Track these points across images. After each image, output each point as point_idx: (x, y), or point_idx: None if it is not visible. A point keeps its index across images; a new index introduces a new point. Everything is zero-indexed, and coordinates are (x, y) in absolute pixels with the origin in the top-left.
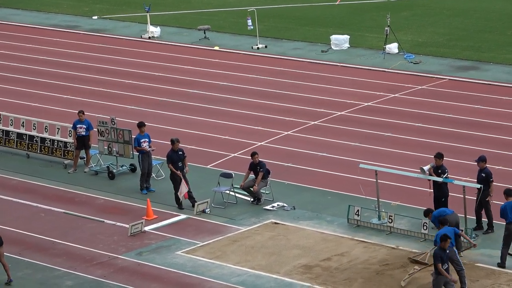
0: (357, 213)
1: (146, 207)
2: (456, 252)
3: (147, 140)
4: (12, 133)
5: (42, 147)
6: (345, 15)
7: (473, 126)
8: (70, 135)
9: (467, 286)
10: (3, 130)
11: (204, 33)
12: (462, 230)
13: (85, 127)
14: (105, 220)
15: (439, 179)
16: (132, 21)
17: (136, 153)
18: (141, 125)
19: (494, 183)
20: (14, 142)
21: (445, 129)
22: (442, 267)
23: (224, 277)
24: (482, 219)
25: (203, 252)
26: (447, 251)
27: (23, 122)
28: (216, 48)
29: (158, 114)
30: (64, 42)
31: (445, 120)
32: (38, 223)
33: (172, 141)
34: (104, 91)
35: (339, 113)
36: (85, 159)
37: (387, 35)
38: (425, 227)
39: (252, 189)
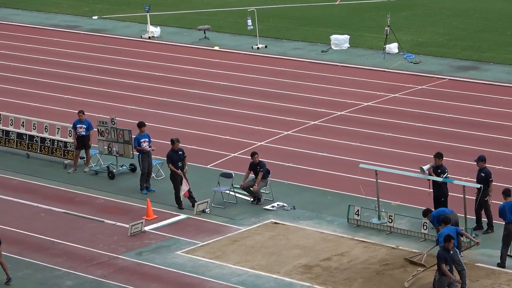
0: (357, 213)
1: (146, 207)
2: (458, 252)
3: (147, 140)
4: (12, 133)
5: (42, 147)
6: (345, 15)
7: (473, 126)
8: (70, 135)
9: (467, 286)
10: (3, 130)
11: (204, 33)
12: (462, 229)
13: (85, 127)
14: (105, 220)
15: (439, 179)
16: (132, 21)
17: (136, 153)
18: (141, 125)
19: (494, 183)
20: (14, 142)
21: (445, 129)
22: (445, 267)
23: (224, 277)
24: (482, 219)
25: (203, 252)
26: (451, 252)
27: (23, 122)
28: (216, 48)
29: (158, 114)
30: (64, 42)
31: (445, 120)
32: (38, 223)
33: (172, 141)
34: (104, 91)
35: (340, 113)
36: (85, 159)
37: (387, 35)
38: (425, 227)
39: (252, 189)
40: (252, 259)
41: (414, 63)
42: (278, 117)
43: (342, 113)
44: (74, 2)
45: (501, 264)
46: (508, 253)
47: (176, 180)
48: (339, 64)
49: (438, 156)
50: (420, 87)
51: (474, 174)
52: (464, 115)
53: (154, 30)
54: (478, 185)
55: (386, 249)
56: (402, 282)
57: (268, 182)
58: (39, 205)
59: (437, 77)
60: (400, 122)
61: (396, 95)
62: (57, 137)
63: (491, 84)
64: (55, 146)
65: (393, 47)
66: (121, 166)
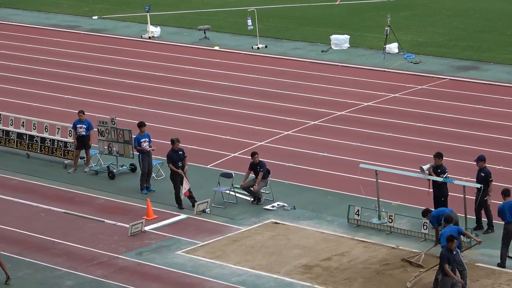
0: (357, 213)
1: (146, 207)
2: (460, 252)
3: (147, 140)
4: (12, 133)
5: (42, 147)
6: (345, 15)
7: (473, 126)
8: (70, 135)
9: (467, 286)
10: (3, 130)
11: (204, 33)
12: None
13: (85, 127)
14: (106, 220)
15: (440, 179)
16: (132, 21)
17: (136, 153)
18: (141, 125)
19: (495, 183)
20: (14, 142)
21: (445, 129)
22: (448, 268)
23: (224, 277)
24: (482, 219)
25: (203, 252)
26: (454, 252)
27: (23, 122)
28: (216, 48)
29: (159, 114)
30: (64, 42)
31: (445, 120)
32: (39, 223)
33: (172, 141)
34: (105, 91)
35: (340, 113)
36: (85, 159)
37: (387, 35)
38: (425, 227)
39: (252, 189)
40: (253, 259)
41: (414, 63)
42: (278, 117)
43: (342, 113)
44: (74, 2)
45: (501, 264)
46: (509, 254)
47: (176, 180)
48: (339, 64)
49: (438, 156)
50: (420, 87)
51: (474, 174)
52: (464, 115)
53: (154, 30)
54: (479, 185)
55: (386, 249)
56: (402, 282)
57: (268, 182)
58: (39, 205)
59: (437, 77)
60: (400, 122)
61: (396, 95)
62: (57, 137)
63: (491, 84)
64: (55, 146)
65: (393, 47)
66: (121, 166)
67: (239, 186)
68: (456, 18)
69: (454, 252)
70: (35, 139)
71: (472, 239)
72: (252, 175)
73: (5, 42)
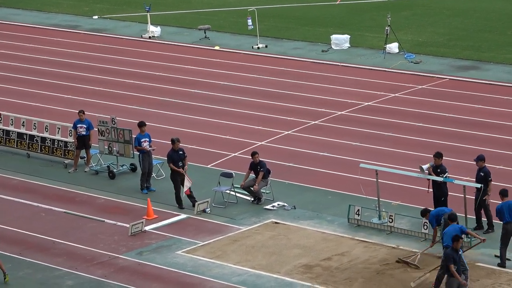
0: (357, 213)
1: (146, 206)
2: (462, 252)
3: (147, 139)
4: (12, 133)
5: (43, 146)
6: (345, 15)
7: (473, 126)
8: (70, 134)
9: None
10: (3, 129)
11: (205, 32)
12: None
13: (86, 126)
14: (106, 220)
15: (440, 179)
16: (133, 21)
17: (136, 153)
18: (141, 124)
19: (495, 183)
20: (14, 141)
21: (445, 128)
22: (453, 268)
23: (224, 276)
24: (482, 218)
25: (203, 251)
26: (459, 252)
27: (23, 122)
28: (217, 48)
29: (160, 114)
30: (66, 42)
31: (445, 119)
32: (39, 223)
33: (173, 141)
34: (106, 91)
35: (340, 112)
36: (85, 159)
37: (387, 34)
38: (425, 227)
39: (252, 188)
40: (253, 259)
41: (414, 63)
42: (278, 116)
43: (342, 112)
44: (74, 2)
45: (502, 264)
46: (507, 257)
47: (176, 180)
48: (339, 64)
49: (438, 155)
50: (421, 86)
51: (474, 174)
52: (465, 114)
53: (155, 30)
54: (479, 185)
55: (387, 249)
56: (403, 282)
57: (269, 182)
58: (40, 205)
59: (438, 76)
60: (400, 122)
61: (396, 94)
62: (58, 137)
63: (491, 84)
64: (56, 146)
65: (393, 47)
66: (122, 166)
67: (239, 186)
68: (456, 18)
69: (460, 252)
70: (35, 138)
71: (473, 239)
72: (252, 175)
73: (7, 42)
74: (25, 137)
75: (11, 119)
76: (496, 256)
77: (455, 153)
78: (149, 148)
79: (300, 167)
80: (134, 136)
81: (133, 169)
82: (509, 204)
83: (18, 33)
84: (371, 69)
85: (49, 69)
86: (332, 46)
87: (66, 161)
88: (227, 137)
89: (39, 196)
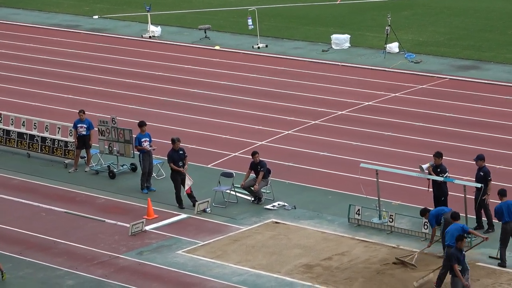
0: (357, 213)
1: (146, 206)
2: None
3: (147, 139)
4: (12, 133)
5: (43, 146)
6: (346, 14)
7: (474, 126)
8: (71, 134)
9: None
10: (3, 129)
11: (205, 32)
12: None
13: (86, 126)
14: (106, 220)
15: (440, 179)
16: (133, 21)
17: (136, 153)
18: (142, 124)
19: (495, 183)
20: (14, 141)
21: (446, 128)
22: (457, 267)
23: (225, 276)
24: (482, 218)
25: (204, 251)
26: (463, 252)
27: (23, 122)
28: (217, 47)
29: (160, 113)
30: (68, 42)
31: (446, 119)
32: (39, 223)
33: (173, 140)
34: (107, 91)
35: (340, 112)
36: (85, 159)
37: (387, 34)
38: (425, 227)
39: (253, 188)
40: (253, 259)
41: (414, 63)
42: (278, 116)
43: (342, 112)
44: (74, 1)
45: (502, 264)
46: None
47: (177, 180)
48: (340, 63)
49: (438, 155)
50: (421, 86)
51: (474, 173)
52: (465, 114)
53: (155, 30)
54: (479, 185)
55: (387, 249)
56: (403, 282)
57: (269, 182)
58: (40, 204)
59: (438, 76)
60: (400, 121)
61: (396, 94)
62: (58, 137)
63: (491, 83)
64: (56, 146)
65: (393, 47)
66: (122, 166)
67: (239, 186)
68: (456, 17)
69: (464, 252)
70: (35, 138)
71: (473, 238)
72: (252, 175)
73: (9, 42)
74: (25, 137)
75: (11, 119)
76: (490, 257)
77: (455, 153)
78: (150, 148)
79: (300, 166)
80: (134, 136)
81: (134, 169)
82: (508, 204)
83: (19, 33)
84: (372, 68)
85: (50, 69)
86: (333, 46)
87: (67, 161)
88: (227, 136)
89: (40, 196)
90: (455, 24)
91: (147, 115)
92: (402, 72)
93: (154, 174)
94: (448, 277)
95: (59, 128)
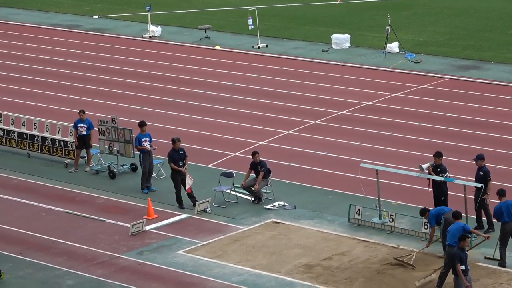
0: (358, 213)
1: (147, 206)
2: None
3: (148, 139)
4: (13, 133)
5: (43, 146)
6: (346, 14)
7: (474, 126)
8: (71, 134)
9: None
10: (4, 129)
11: (205, 32)
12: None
13: (86, 126)
14: (106, 220)
15: (440, 179)
16: (133, 21)
17: (137, 153)
18: (142, 124)
19: (496, 183)
20: (15, 141)
21: (446, 128)
22: (460, 267)
23: (225, 276)
24: (483, 218)
25: (204, 251)
26: (466, 251)
27: (24, 122)
28: (217, 47)
29: (160, 113)
30: (68, 42)
31: (446, 119)
32: (39, 223)
33: (173, 140)
34: (108, 91)
35: (340, 112)
36: (86, 159)
37: (387, 34)
38: (426, 227)
39: (253, 188)
40: (253, 259)
41: (415, 63)
42: (279, 116)
43: (343, 112)
44: (75, 1)
45: (502, 264)
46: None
47: (177, 180)
48: (340, 63)
49: (438, 155)
50: (421, 86)
51: (475, 173)
52: (465, 114)
53: (155, 30)
54: (479, 185)
55: (387, 249)
56: (403, 282)
57: (269, 182)
58: (40, 204)
59: (438, 76)
60: (401, 121)
61: (397, 94)
62: (58, 137)
63: (492, 83)
64: (56, 146)
65: (394, 47)
66: (122, 166)
67: (240, 186)
68: (456, 17)
69: (466, 251)
70: (35, 138)
71: (473, 238)
72: (253, 175)
73: (9, 42)
74: (25, 136)
75: (12, 119)
76: (486, 258)
77: (456, 153)
78: (150, 148)
79: (300, 166)
80: (134, 135)
81: (134, 168)
82: (507, 204)
83: (20, 33)
84: (372, 68)
85: (50, 69)
86: (333, 46)
87: (67, 161)
88: (227, 136)
89: (40, 195)
90: (455, 24)
91: (147, 115)
92: (402, 72)
93: (154, 174)
94: (449, 277)
95: (59, 128)
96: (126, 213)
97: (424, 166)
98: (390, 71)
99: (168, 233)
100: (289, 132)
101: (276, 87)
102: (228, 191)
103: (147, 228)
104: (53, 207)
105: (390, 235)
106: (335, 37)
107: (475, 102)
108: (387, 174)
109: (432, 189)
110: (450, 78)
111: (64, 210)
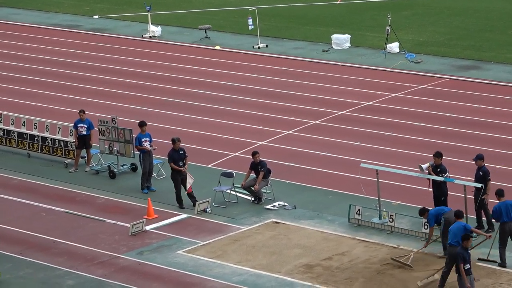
0: (358, 213)
1: (147, 206)
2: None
3: (148, 139)
4: (13, 133)
5: (43, 146)
6: (346, 14)
7: (474, 126)
8: (71, 134)
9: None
10: (4, 129)
11: (205, 32)
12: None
13: (86, 126)
14: (106, 220)
15: (440, 179)
16: (133, 21)
17: (137, 152)
18: (142, 124)
19: (496, 183)
20: (15, 141)
21: (446, 128)
22: (463, 267)
23: (225, 276)
24: (483, 218)
25: (204, 251)
26: (469, 250)
27: (24, 122)
28: (217, 47)
29: (161, 113)
30: (68, 42)
31: (446, 119)
32: (39, 223)
33: (173, 140)
34: (108, 91)
35: (340, 112)
36: (86, 159)
37: (388, 34)
38: (426, 227)
39: (253, 188)
40: (253, 259)
41: (415, 63)
42: (279, 116)
43: (343, 112)
44: (75, 1)
45: (502, 264)
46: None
47: (177, 180)
48: (340, 63)
49: (438, 155)
50: (421, 86)
51: (474, 173)
52: (465, 114)
53: (155, 30)
54: (479, 185)
55: (387, 249)
56: (403, 282)
57: (269, 182)
58: (40, 204)
59: (438, 76)
60: (401, 121)
61: (397, 94)
62: (58, 137)
63: (492, 83)
64: (56, 146)
65: (394, 47)
66: (122, 166)
67: (240, 186)
68: (457, 17)
69: (469, 251)
70: (36, 138)
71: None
72: (253, 175)
73: (9, 42)
74: (25, 136)
75: (12, 119)
76: (480, 259)
77: (456, 153)
78: (150, 148)
79: (300, 166)
80: (134, 135)
81: (134, 168)
82: (506, 204)
83: (20, 33)
84: (372, 68)
85: (51, 69)
86: (333, 46)
87: (67, 161)
88: (227, 136)
89: (40, 195)
90: (455, 24)
91: (147, 115)
92: (402, 72)
93: (154, 174)
94: (450, 277)
95: (60, 128)
96: (126, 213)
97: (424, 166)
98: (390, 71)
99: (168, 233)
100: (289, 132)
101: (276, 87)
102: (228, 191)
103: (147, 228)
104: (53, 207)
105: (390, 235)
106: (335, 37)
107: (474, 102)
108: (387, 174)
109: (432, 189)
110: (450, 78)
111: (64, 210)
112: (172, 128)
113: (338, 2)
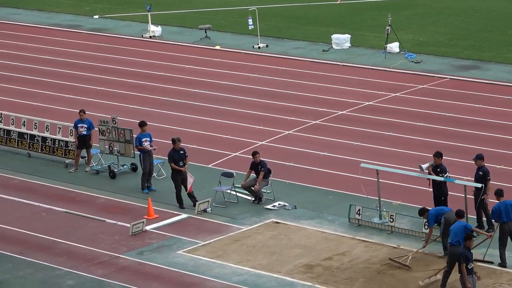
0: (358, 213)
1: (147, 206)
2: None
3: (148, 139)
4: (13, 132)
5: (43, 146)
6: (346, 14)
7: (474, 126)
8: (71, 134)
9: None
10: (4, 129)
11: (205, 32)
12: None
13: (86, 126)
14: (106, 220)
15: (441, 179)
16: (133, 21)
17: (137, 152)
18: (142, 124)
19: (496, 183)
20: (15, 141)
21: (446, 128)
22: (467, 266)
23: (225, 276)
24: (483, 218)
25: (204, 251)
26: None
27: (24, 121)
28: (218, 47)
29: (161, 113)
30: (68, 42)
31: (446, 119)
32: (39, 223)
33: (173, 140)
34: (109, 91)
35: (341, 112)
36: (86, 159)
37: (388, 34)
38: (426, 227)
39: (253, 188)
40: (253, 259)
41: (415, 63)
42: (279, 116)
43: (343, 112)
44: (75, 1)
45: (502, 264)
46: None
47: (177, 180)
48: (340, 63)
49: (438, 155)
50: (421, 86)
51: (474, 173)
52: (465, 114)
53: (155, 30)
54: (479, 185)
55: (387, 249)
56: (404, 282)
57: (269, 182)
58: (40, 204)
59: (438, 76)
60: (401, 121)
61: (397, 94)
62: (58, 137)
63: (492, 83)
64: (56, 146)
65: (394, 47)
66: (122, 166)
67: (240, 186)
68: (457, 17)
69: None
70: (36, 138)
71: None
72: (253, 175)
73: (10, 42)
74: (26, 136)
75: (12, 119)
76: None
77: (456, 153)
78: (150, 148)
79: (300, 166)
80: (135, 135)
81: (134, 168)
82: (506, 204)
83: (20, 33)
84: (372, 68)
85: (51, 69)
86: (333, 46)
87: (67, 161)
88: (228, 136)
89: (40, 195)
90: (455, 24)
91: (148, 115)
92: (402, 72)
93: (154, 174)
94: (452, 276)
95: (60, 128)
96: (126, 213)
97: (424, 166)
98: (390, 71)
99: (168, 233)
100: (289, 132)
101: (277, 87)
102: (229, 191)
103: (148, 228)
104: (53, 207)
105: (390, 235)
106: (335, 37)
107: (475, 102)
108: (387, 174)
109: (432, 189)
110: (450, 78)
111: (65, 210)
112: (173, 128)
113: (338, 2)
